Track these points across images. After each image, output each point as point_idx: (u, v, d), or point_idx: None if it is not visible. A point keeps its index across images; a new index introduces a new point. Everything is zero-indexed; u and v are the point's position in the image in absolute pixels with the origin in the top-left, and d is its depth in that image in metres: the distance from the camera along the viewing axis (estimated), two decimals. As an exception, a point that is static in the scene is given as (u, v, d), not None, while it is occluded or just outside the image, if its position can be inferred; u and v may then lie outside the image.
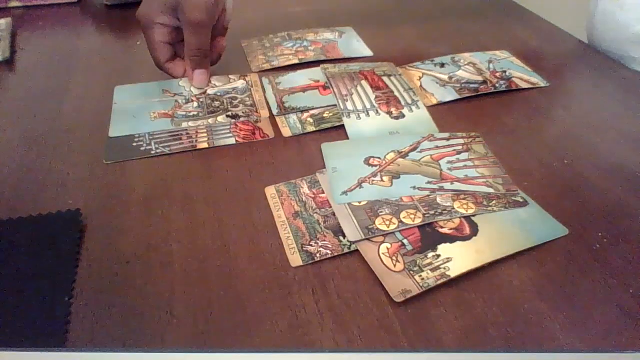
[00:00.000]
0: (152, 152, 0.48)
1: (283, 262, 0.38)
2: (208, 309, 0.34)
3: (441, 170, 0.45)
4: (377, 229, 0.39)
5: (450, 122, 0.51)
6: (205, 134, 0.50)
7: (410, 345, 0.32)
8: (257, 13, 0.76)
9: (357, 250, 0.38)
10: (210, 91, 0.56)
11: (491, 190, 0.43)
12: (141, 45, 0.67)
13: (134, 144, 0.49)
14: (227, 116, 0.53)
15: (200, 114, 0.53)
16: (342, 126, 0.51)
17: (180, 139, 0.50)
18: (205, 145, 0.49)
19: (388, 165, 0.45)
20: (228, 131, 0.51)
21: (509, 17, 0.73)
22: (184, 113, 0.53)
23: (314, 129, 0.51)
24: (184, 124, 0.51)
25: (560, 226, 0.40)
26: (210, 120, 0.52)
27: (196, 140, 0.49)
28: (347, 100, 0.54)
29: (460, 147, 0.47)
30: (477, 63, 0.60)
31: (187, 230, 0.40)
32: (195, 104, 0.55)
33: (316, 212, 0.41)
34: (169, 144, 0.49)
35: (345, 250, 0.38)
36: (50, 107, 0.55)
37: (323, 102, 0.54)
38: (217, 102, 0.55)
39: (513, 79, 0.58)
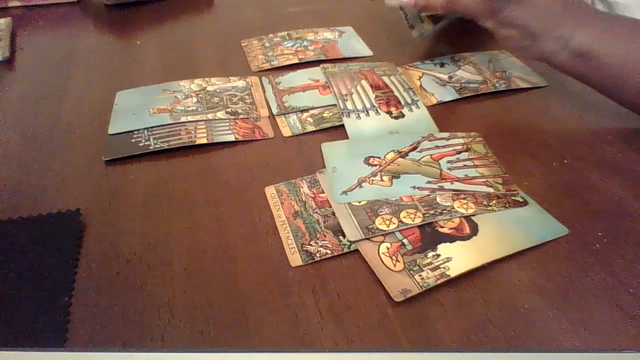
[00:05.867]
0: (151, 147, 0.48)
1: (283, 262, 0.37)
2: (208, 309, 0.34)
3: (441, 170, 0.45)
4: (377, 228, 0.39)
5: (450, 122, 0.51)
6: (204, 130, 0.50)
7: (410, 345, 0.32)
8: (257, 13, 0.76)
9: (357, 250, 0.38)
10: (209, 88, 0.57)
11: (491, 190, 0.43)
12: (141, 45, 0.67)
13: (133, 140, 0.49)
14: (227, 112, 0.53)
15: (199, 109, 0.53)
16: (342, 126, 0.51)
17: (179, 134, 0.50)
18: (204, 140, 0.49)
19: (388, 165, 0.45)
20: (227, 128, 0.51)
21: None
22: (182, 108, 0.53)
23: (314, 129, 0.51)
24: (183, 119, 0.52)
25: (560, 226, 0.40)
26: (209, 116, 0.52)
27: (195, 136, 0.49)
28: (347, 100, 0.54)
29: (460, 146, 0.47)
30: (477, 63, 0.60)
31: (187, 230, 0.40)
32: (194, 99, 0.55)
33: (316, 212, 0.41)
34: (168, 139, 0.49)
35: (345, 250, 0.38)
36: (50, 107, 0.55)
37: (323, 102, 0.54)
38: (217, 99, 0.55)
39: (513, 78, 0.58)
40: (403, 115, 0.52)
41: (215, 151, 0.49)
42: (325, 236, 0.39)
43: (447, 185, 0.43)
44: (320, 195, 0.43)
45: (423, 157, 0.46)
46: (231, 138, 0.49)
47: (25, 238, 0.39)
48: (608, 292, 0.35)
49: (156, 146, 0.48)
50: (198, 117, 0.52)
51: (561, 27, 0.47)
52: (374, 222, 0.40)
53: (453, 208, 0.41)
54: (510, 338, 0.32)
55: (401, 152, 0.47)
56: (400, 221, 0.40)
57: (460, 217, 0.40)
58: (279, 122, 0.52)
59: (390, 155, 0.46)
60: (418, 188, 0.43)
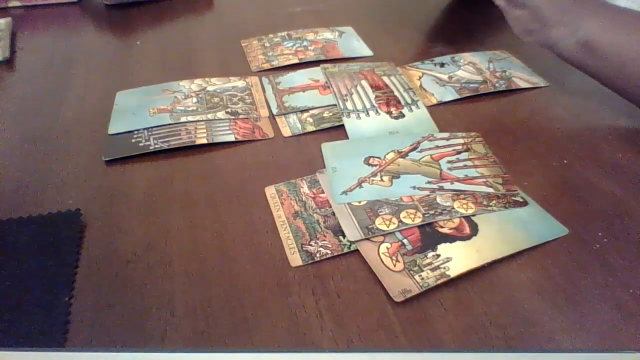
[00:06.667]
0: (151, 147, 0.48)
1: (283, 262, 0.38)
2: (208, 309, 0.34)
3: (441, 170, 0.45)
4: (377, 228, 0.39)
5: (450, 122, 0.51)
6: (204, 130, 0.50)
7: (410, 345, 0.32)
8: (257, 13, 0.76)
9: (357, 250, 0.38)
10: (210, 88, 0.57)
11: (491, 190, 0.43)
12: (141, 45, 0.67)
13: (133, 140, 0.49)
14: (227, 112, 0.53)
15: (199, 109, 0.53)
16: (342, 126, 0.51)
17: (179, 134, 0.50)
18: (204, 140, 0.49)
19: (388, 165, 0.45)
20: (227, 128, 0.51)
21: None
22: (182, 108, 0.53)
23: (314, 129, 0.51)
24: (183, 119, 0.52)
25: (560, 226, 0.40)
26: (209, 116, 0.52)
27: (195, 136, 0.49)
28: (347, 100, 0.54)
29: (460, 147, 0.47)
30: (477, 63, 0.60)
31: (187, 230, 0.40)
32: (194, 99, 0.55)
33: (316, 212, 0.41)
34: (168, 139, 0.49)
35: (345, 250, 0.38)
36: (50, 107, 0.55)
37: (323, 102, 0.54)
38: (217, 99, 0.55)
39: (513, 79, 0.58)
40: (403, 115, 0.52)
41: (215, 151, 0.49)
42: (325, 236, 0.39)
43: (447, 185, 0.43)
44: (320, 195, 0.43)
45: (423, 157, 0.46)
46: (231, 138, 0.49)
47: (26, 238, 0.39)
48: (608, 292, 0.35)
49: (156, 146, 0.48)
50: (198, 117, 0.52)
51: (570, 14, 0.48)
52: (374, 222, 0.40)
53: (453, 208, 0.41)
54: (510, 338, 0.32)
55: (401, 152, 0.47)
56: (400, 221, 0.40)
57: (460, 217, 0.40)
58: (279, 122, 0.52)
59: (390, 156, 0.46)
60: (418, 188, 0.43)
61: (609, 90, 0.51)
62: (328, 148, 0.48)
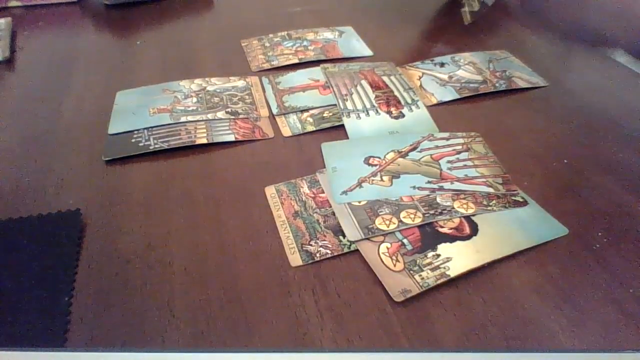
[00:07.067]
0: (151, 147, 0.48)
1: (283, 262, 0.38)
2: (208, 309, 0.34)
3: (441, 170, 0.45)
4: (377, 228, 0.39)
5: (450, 122, 0.51)
6: (204, 130, 0.50)
7: (410, 345, 0.32)
8: (257, 13, 0.76)
9: (357, 250, 0.38)
10: (209, 88, 0.57)
11: (491, 190, 0.43)
12: (141, 45, 0.67)
13: (133, 140, 0.49)
14: (227, 112, 0.53)
15: (199, 109, 0.53)
16: (342, 126, 0.51)
17: (179, 134, 0.50)
18: (204, 140, 0.49)
19: (388, 165, 0.45)
20: (227, 128, 0.51)
21: (508, 17, 0.73)
22: (182, 108, 0.53)
23: (314, 129, 0.51)
24: (183, 119, 0.52)
25: (560, 226, 0.40)
26: (209, 116, 0.52)
27: (195, 136, 0.49)
28: (347, 100, 0.54)
29: (460, 146, 0.47)
30: (477, 63, 0.60)
31: (187, 230, 0.40)
32: (194, 99, 0.55)
33: (316, 212, 0.41)
34: (168, 139, 0.49)
35: (345, 250, 0.38)
36: (50, 107, 0.55)
37: (323, 101, 0.54)
38: (217, 99, 0.55)
39: (513, 78, 0.58)
40: (403, 115, 0.52)
41: (215, 151, 0.49)
42: (325, 236, 0.39)
43: (447, 185, 0.43)
44: (320, 195, 0.43)
45: (423, 157, 0.46)
46: (231, 138, 0.49)
47: (25, 238, 0.39)
48: (608, 292, 0.35)
49: (156, 146, 0.48)
50: (198, 117, 0.52)
51: None
52: (374, 222, 0.40)
53: (453, 208, 0.41)
54: (510, 338, 0.32)
55: (401, 152, 0.47)
56: (400, 221, 0.40)
57: (460, 217, 0.40)
58: (279, 122, 0.52)
59: (390, 155, 0.46)
60: (418, 188, 0.43)
61: (609, 90, 0.51)
62: (328, 148, 0.48)
